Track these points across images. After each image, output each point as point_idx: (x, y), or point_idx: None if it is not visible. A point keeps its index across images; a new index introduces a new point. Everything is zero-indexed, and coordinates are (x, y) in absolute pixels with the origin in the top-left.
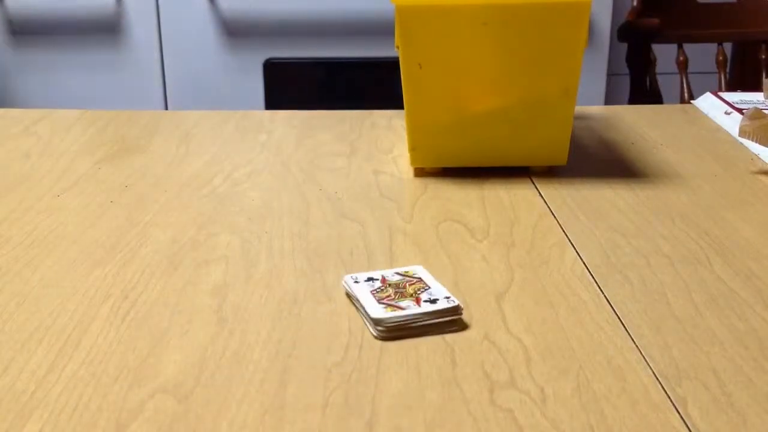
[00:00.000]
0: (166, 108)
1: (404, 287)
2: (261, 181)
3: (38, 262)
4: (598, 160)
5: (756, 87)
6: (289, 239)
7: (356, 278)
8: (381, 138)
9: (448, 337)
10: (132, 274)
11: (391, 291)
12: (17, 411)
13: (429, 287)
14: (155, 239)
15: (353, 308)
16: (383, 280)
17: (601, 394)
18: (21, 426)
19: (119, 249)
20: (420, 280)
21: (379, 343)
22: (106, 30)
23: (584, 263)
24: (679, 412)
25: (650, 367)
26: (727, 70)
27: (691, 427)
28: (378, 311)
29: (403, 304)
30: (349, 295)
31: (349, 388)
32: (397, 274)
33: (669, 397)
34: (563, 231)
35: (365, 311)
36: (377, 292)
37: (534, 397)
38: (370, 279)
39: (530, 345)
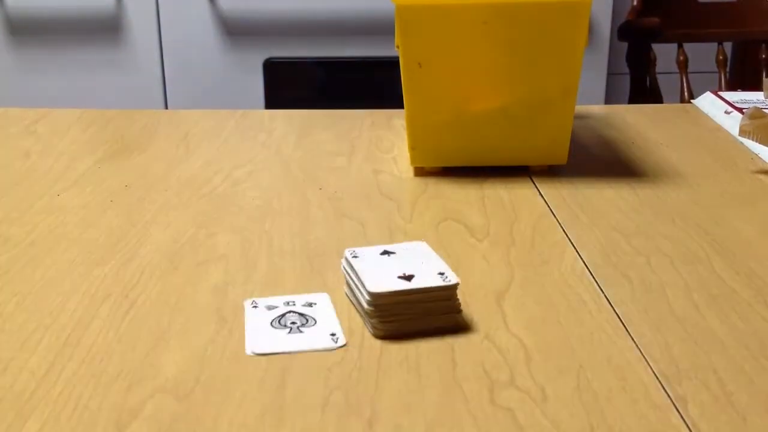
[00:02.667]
0: (166, 107)
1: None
2: (261, 181)
3: (38, 262)
4: (599, 160)
5: (756, 86)
6: (289, 239)
7: (354, 252)
8: (381, 137)
9: (448, 336)
10: (132, 274)
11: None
12: (17, 410)
13: (425, 264)
14: (155, 238)
15: (353, 308)
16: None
17: (601, 393)
18: (21, 425)
19: (119, 248)
20: (416, 256)
21: (379, 343)
22: (106, 30)
23: (584, 263)
24: (679, 412)
25: (650, 367)
26: (727, 69)
27: (691, 427)
28: (373, 284)
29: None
30: (347, 282)
31: (349, 388)
32: (398, 249)
33: (669, 397)
34: (563, 230)
35: (363, 286)
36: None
37: (534, 396)
38: (359, 255)
39: (530, 344)
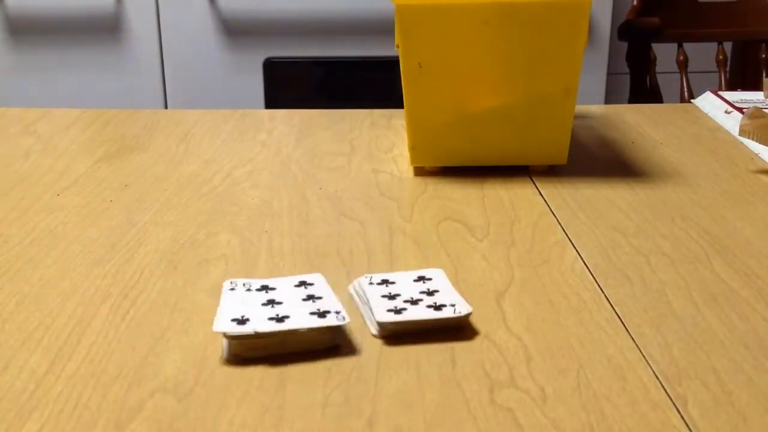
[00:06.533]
0: (166, 107)
1: (415, 293)
2: (261, 180)
3: (38, 261)
4: (599, 160)
5: (756, 86)
6: (289, 238)
7: (371, 279)
8: (381, 137)
9: (448, 336)
10: (131, 273)
11: (401, 296)
12: (17, 410)
13: (440, 292)
14: (155, 238)
15: (353, 307)
16: (397, 284)
17: (601, 393)
18: (21, 425)
19: (119, 248)
20: (431, 287)
21: (379, 342)
22: (106, 30)
23: (584, 262)
24: (679, 411)
25: (650, 366)
26: (727, 69)
27: (691, 427)
28: (382, 314)
29: (409, 308)
30: (356, 294)
31: (349, 388)
32: (413, 281)
33: (669, 396)
34: (563, 230)
35: (371, 313)
36: (388, 296)
37: (534, 396)
38: (384, 281)
39: (530, 344)
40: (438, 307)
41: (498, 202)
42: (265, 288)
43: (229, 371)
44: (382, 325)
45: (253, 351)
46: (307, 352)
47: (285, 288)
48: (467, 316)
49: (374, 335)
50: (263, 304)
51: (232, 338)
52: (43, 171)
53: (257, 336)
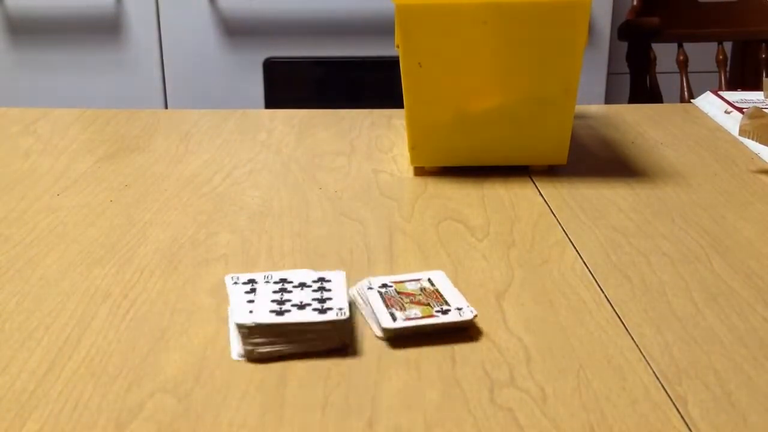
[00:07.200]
0: (166, 107)
1: (418, 296)
2: (261, 180)
3: (38, 261)
4: (599, 160)
5: (756, 86)
6: (289, 238)
7: (371, 284)
8: (381, 137)
9: (448, 336)
10: (131, 273)
11: (404, 300)
12: (17, 410)
13: (444, 297)
14: (155, 238)
15: (353, 306)
16: (398, 286)
17: (601, 393)
18: (21, 425)
19: (119, 248)
20: (436, 290)
21: (379, 342)
22: (106, 30)
23: (584, 262)
24: (679, 411)
25: (650, 366)
26: (727, 69)
27: (691, 426)
28: (387, 320)
29: (413, 313)
30: (359, 295)
31: (349, 388)
32: (414, 281)
33: (669, 396)
34: (563, 230)
35: (375, 317)
36: (390, 299)
37: (534, 396)
38: (384, 285)
39: (530, 344)
40: (444, 312)
41: (498, 202)
42: (277, 282)
43: (229, 371)
44: (388, 331)
45: (264, 345)
46: (306, 353)
47: (297, 282)
48: (472, 319)
49: (378, 337)
50: (273, 299)
51: (249, 330)
52: (43, 171)
53: (276, 330)
